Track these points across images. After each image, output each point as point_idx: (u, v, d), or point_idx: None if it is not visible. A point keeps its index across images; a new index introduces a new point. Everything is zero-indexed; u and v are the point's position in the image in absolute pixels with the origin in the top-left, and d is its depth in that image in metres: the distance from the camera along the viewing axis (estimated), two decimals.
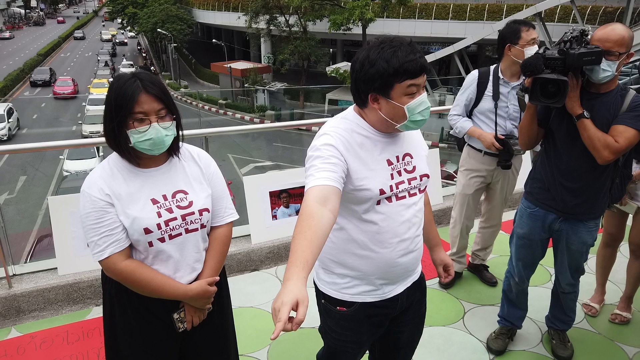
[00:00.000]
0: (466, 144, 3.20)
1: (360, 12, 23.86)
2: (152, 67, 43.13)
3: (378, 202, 1.60)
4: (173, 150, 1.71)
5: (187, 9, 41.86)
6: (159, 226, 1.63)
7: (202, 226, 1.73)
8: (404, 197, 1.64)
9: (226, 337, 1.94)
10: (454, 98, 3.58)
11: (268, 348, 2.80)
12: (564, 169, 2.31)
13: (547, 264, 3.26)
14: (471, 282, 3.49)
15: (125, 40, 60.67)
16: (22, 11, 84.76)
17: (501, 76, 2.98)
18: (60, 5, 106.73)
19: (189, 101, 31.23)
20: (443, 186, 4.64)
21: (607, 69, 2.09)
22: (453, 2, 28.67)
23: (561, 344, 2.73)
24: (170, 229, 1.65)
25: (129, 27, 46.05)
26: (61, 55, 51.47)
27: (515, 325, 2.79)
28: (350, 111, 1.67)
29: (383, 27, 26.66)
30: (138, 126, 1.56)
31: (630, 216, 2.96)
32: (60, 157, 16.60)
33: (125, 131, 1.57)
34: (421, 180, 1.69)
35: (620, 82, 2.27)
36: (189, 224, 1.69)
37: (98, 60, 44.14)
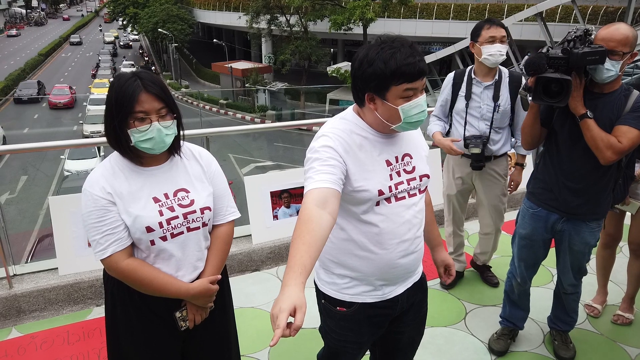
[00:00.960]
0: None
1: (361, 12, 23.84)
2: (152, 67, 43.12)
3: (377, 203, 1.59)
4: (174, 149, 1.70)
5: (188, 8, 41.85)
6: (160, 225, 1.62)
7: (204, 225, 1.73)
8: (404, 197, 1.64)
9: (228, 335, 1.94)
10: None
11: (269, 349, 2.79)
12: (566, 169, 2.30)
13: (548, 265, 3.26)
14: (473, 282, 3.48)
15: (130, 43, 58.60)
16: (23, 11, 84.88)
17: (474, 76, 2.97)
18: (61, 5, 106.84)
19: (189, 101, 31.23)
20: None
21: (610, 68, 2.08)
22: (454, 2, 28.65)
23: (563, 344, 2.72)
24: (172, 227, 1.65)
25: (130, 28, 46.04)
26: (62, 55, 51.50)
27: (517, 326, 2.78)
28: (350, 111, 1.67)
29: (384, 27, 26.62)
30: (139, 125, 1.56)
31: (628, 215, 2.95)
32: (61, 157, 16.61)
33: (126, 130, 1.57)
34: (421, 180, 1.68)
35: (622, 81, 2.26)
36: (190, 222, 1.68)
37: (99, 60, 44.11)
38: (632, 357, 2.74)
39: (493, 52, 2.81)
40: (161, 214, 1.63)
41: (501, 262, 3.64)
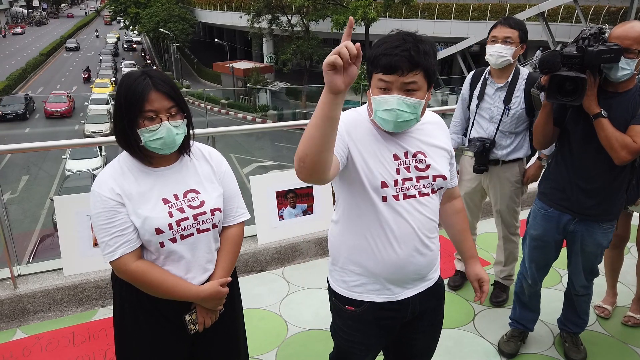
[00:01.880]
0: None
1: (362, 11, 23.85)
2: (154, 67, 43.12)
3: (384, 199, 1.57)
4: (184, 149, 1.68)
5: (189, 8, 41.87)
6: (170, 226, 1.60)
7: (214, 226, 1.70)
8: (414, 196, 1.60)
9: (237, 338, 1.91)
10: (456, 98, 3.54)
11: (276, 350, 2.76)
12: (579, 169, 2.27)
13: (557, 266, 3.22)
14: None
15: (134, 46, 55.06)
16: (25, 11, 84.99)
17: (488, 76, 2.92)
18: (62, 4, 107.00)
19: (190, 101, 31.21)
20: None
21: (626, 67, 2.05)
22: (456, 1, 28.61)
23: (574, 346, 2.69)
24: (181, 229, 1.62)
25: (131, 27, 46.02)
26: (64, 55, 51.52)
27: (527, 327, 2.75)
28: (365, 105, 1.67)
29: (385, 26, 26.57)
30: (148, 125, 1.53)
31: (636, 215, 2.92)
32: (63, 156, 16.62)
33: (135, 130, 1.54)
34: (434, 180, 1.64)
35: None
36: (200, 223, 1.66)
37: (100, 60, 44.05)
38: None
39: (492, 52, 2.76)
40: (171, 215, 1.61)
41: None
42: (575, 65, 2.03)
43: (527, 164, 3.06)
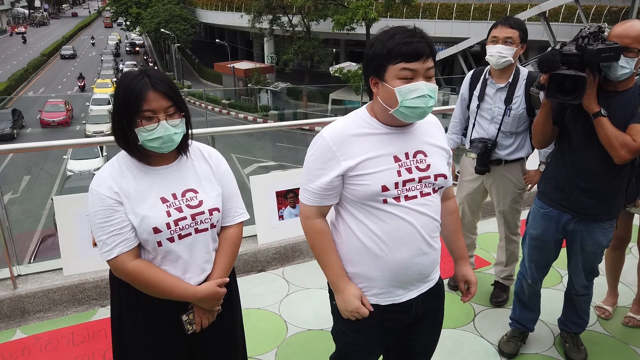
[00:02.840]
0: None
1: (363, 11, 23.80)
2: (155, 67, 42.99)
3: (385, 201, 1.56)
4: (182, 148, 1.67)
5: (190, 9, 41.88)
6: (168, 225, 1.59)
7: (212, 226, 1.70)
8: (415, 196, 1.59)
9: (236, 338, 1.90)
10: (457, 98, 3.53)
11: (276, 350, 2.76)
12: (579, 169, 2.27)
13: (557, 266, 3.21)
14: (481, 283, 3.42)
15: (137, 49, 52.58)
16: (26, 11, 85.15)
17: (488, 77, 2.90)
18: (64, 5, 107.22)
19: (192, 101, 31.23)
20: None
21: (625, 66, 2.04)
22: (457, 2, 28.58)
23: (574, 347, 2.68)
24: (179, 228, 1.61)
25: (132, 28, 46.02)
26: (59, 62, 51.50)
27: (527, 328, 2.75)
28: (362, 108, 1.66)
29: (386, 27, 26.55)
30: (146, 124, 1.53)
31: (636, 216, 2.91)
32: (64, 156, 16.63)
33: (133, 129, 1.54)
34: (436, 180, 1.63)
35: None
36: (198, 223, 1.65)
37: (102, 60, 44.06)
38: None
39: (492, 52, 2.74)
40: (169, 214, 1.60)
41: None
42: (575, 64, 2.02)
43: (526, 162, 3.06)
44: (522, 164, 2.98)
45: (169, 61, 42.92)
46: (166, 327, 1.70)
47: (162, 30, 36.18)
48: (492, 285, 3.31)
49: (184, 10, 39.01)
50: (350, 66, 25.56)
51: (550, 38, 22.64)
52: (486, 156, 2.91)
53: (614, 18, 24.15)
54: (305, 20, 28.60)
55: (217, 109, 29.49)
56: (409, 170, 1.58)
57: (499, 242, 3.22)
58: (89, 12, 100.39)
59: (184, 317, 1.69)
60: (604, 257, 2.90)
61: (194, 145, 1.75)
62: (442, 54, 25.80)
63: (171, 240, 1.61)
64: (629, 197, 2.46)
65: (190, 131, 1.67)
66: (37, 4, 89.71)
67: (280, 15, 30.04)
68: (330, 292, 1.76)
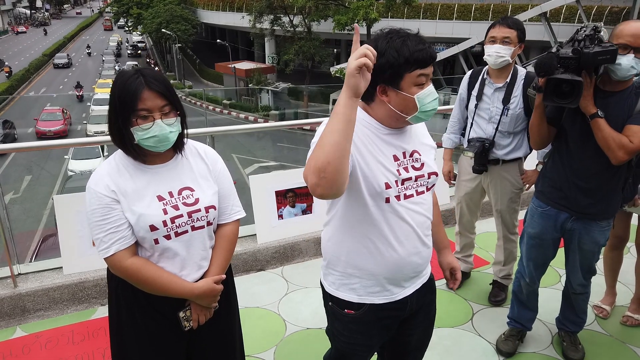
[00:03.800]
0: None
1: (364, 12, 23.80)
2: (156, 68, 43.10)
3: (387, 200, 1.57)
4: (178, 146, 1.68)
5: (191, 9, 41.93)
6: (164, 223, 1.60)
7: (209, 223, 1.71)
8: (412, 195, 1.61)
9: (233, 335, 1.92)
10: None
11: (274, 349, 2.77)
12: (577, 169, 2.27)
13: (556, 265, 3.22)
14: (479, 283, 3.44)
15: (139, 52, 50.11)
16: (28, 11, 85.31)
17: (486, 76, 2.91)
18: (65, 5, 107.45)
19: (193, 101, 31.27)
20: (449, 186, 4.61)
21: (635, 67, 2.04)
22: (458, 2, 28.58)
23: (572, 346, 2.69)
24: (176, 226, 1.63)
25: (133, 28, 46.04)
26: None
27: (525, 326, 2.75)
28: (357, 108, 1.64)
29: (387, 27, 26.53)
30: (142, 123, 1.54)
31: (635, 216, 2.92)
32: (65, 156, 16.63)
33: (129, 128, 1.55)
34: (429, 177, 1.66)
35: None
36: (195, 221, 1.66)
37: (103, 60, 44.11)
38: None
39: (490, 52, 2.75)
40: (165, 212, 1.61)
41: None
42: (572, 67, 2.03)
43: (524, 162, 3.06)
44: (520, 163, 2.99)
45: (170, 61, 42.97)
46: (164, 324, 1.71)
47: (163, 30, 36.20)
48: (490, 284, 3.32)
49: (185, 10, 39.04)
50: None
51: (551, 38, 22.63)
52: (484, 155, 2.92)
53: (615, 18, 24.13)
54: (306, 20, 28.61)
55: (218, 109, 29.52)
56: (407, 169, 1.60)
57: (497, 242, 3.23)
58: (92, 11, 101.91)
59: (181, 314, 1.70)
60: (602, 256, 2.92)
61: (190, 143, 1.76)
62: (443, 54, 25.80)
63: (168, 237, 1.63)
64: (625, 197, 2.47)
65: (185, 130, 1.68)
66: (39, 4, 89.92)
67: (281, 15, 30.05)
68: (326, 294, 1.77)
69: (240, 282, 3.38)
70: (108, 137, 1.66)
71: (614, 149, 2.09)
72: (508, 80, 2.83)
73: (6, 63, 38.83)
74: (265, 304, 3.19)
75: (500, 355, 2.72)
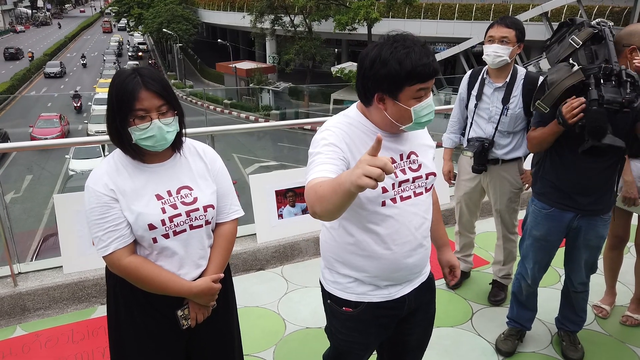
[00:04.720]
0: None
1: (365, 12, 23.79)
2: (156, 68, 43.03)
3: (383, 203, 1.57)
4: (176, 146, 1.68)
5: (192, 9, 41.95)
6: (163, 222, 1.61)
7: (207, 222, 1.72)
8: (409, 197, 1.61)
9: (231, 334, 1.92)
10: None
11: (274, 348, 2.77)
12: (577, 169, 2.27)
13: (556, 265, 3.21)
14: (479, 282, 3.44)
15: (141, 54, 48.29)
16: (29, 11, 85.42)
17: (486, 76, 2.91)
18: (66, 5, 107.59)
19: (194, 101, 31.28)
20: (449, 186, 4.61)
21: None
22: (459, 2, 28.56)
23: (571, 345, 2.69)
24: (174, 225, 1.63)
25: (134, 28, 46.00)
26: (67, 56, 51.70)
27: (524, 326, 2.75)
28: (353, 109, 1.64)
29: (388, 27, 26.10)
30: (139, 123, 1.54)
31: (635, 216, 2.92)
32: (66, 156, 16.65)
33: (127, 128, 1.55)
34: (427, 178, 1.66)
35: None
36: (193, 220, 1.67)
37: (104, 60, 44.10)
38: None
39: (489, 52, 2.76)
40: (164, 211, 1.62)
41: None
42: (620, 125, 2.03)
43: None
44: (520, 163, 2.99)
45: (171, 61, 42.96)
46: (162, 322, 1.71)
47: (164, 30, 36.20)
48: (490, 284, 3.32)
49: (186, 10, 39.07)
50: (351, 66, 25.54)
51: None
52: (483, 155, 2.92)
53: (616, 18, 24.09)
54: (307, 20, 28.61)
55: (218, 109, 29.53)
56: (403, 171, 1.61)
57: (496, 241, 3.23)
58: (94, 10, 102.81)
59: (179, 312, 1.71)
60: (602, 256, 2.92)
61: (188, 142, 1.76)
62: (444, 54, 25.79)
63: (166, 236, 1.63)
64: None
65: (184, 129, 1.68)
66: (40, 4, 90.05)
67: (282, 15, 30.05)
68: (324, 292, 1.77)
69: (240, 282, 3.40)
70: (107, 137, 1.66)
71: None
72: (507, 80, 2.83)
73: (29, 49, 41.17)
74: (265, 304, 3.19)
75: (499, 354, 2.72)
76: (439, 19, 28.33)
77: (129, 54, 48.82)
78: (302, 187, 3.70)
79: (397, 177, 1.58)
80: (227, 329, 1.89)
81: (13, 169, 17.23)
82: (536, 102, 2.18)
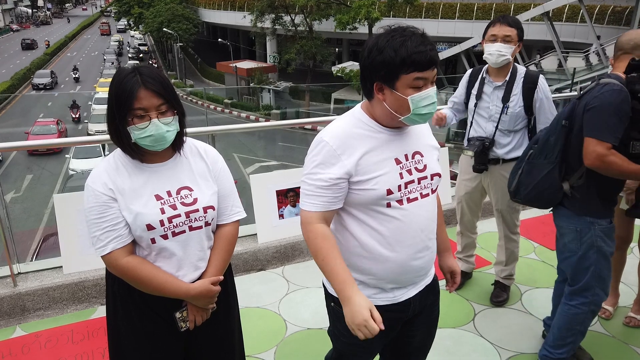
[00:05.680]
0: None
1: (366, 11, 23.75)
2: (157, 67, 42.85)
3: (389, 205, 1.55)
4: (177, 145, 1.67)
5: (193, 8, 41.90)
6: (161, 223, 1.59)
7: (207, 224, 1.69)
8: (416, 198, 1.59)
9: (232, 337, 1.90)
10: None
11: (275, 349, 2.76)
12: (617, 180, 2.28)
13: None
14: (481, 283, 3.43)
15: (142, 56, 47.49)
16: (29, 11, 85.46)
17: (486, 75, 2.90)
18: (67, 4, 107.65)
19: (194, 100, 31.27)
20: (451, 186, 4.59)
21: None
22: (460, 1, 28.55)
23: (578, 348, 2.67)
24: (173, 226, 1.61)
25: (134, 28, 45.94)
26: (68, 55, 51.69)
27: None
28: (357, 109, 1.64)
29: (387, 26, 26.49)
30: (138, 122, 1.53)
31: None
32: (66, 156, 16.65)
33: (126, 127, 1.54)
34: (432, 179, 1.64)
35: None
36: (192, 221, 1.65)
37: (104, 59, 44.07)
38: None
39: (492, 51, 2.75)
40: (163, 212, 1.60)
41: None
42: None
43: None
44: None
45: (171, 61, 42.92)
46: (161, 324, 1.70)
47: (164, 29, 36.18)
48: (492, 284, 3.30)
49: (187, 9, 39.03)
50: (352, 66, 25.53)
51: (554, 38, 22.59)
52: (484, 155, 2.91)
53: (617, 18, 24.06)
54: (307, 19, 28.59)
55: (219, 108, 29.52)
56: (409, 172, 1.59)
57: (498, 242, 3.21)
58: (95, 8, 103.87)
59: (177, 315, 1.69)
60: None
61: (190, 142, 1.74)
62: (445, 54, 25.79)
63: (165, 237, 1.61)
64: None
65: (184, 129, 1.66)
66: (40, 3, 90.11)
67: (283, 14, 30.02)
68: (328, 295, 1.75)
69: (241, 282, 3.37)
70: (107, 136, 1.65)
71: None
72: (507, 78, 2.83)
73: (46, 39, 42.85)
74: (266, 304, 3.18)
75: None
76: (440, 18, 28.32)
77: (129, 55, 47.88)
78: None
79: (403, 177, 1.56)
80: (228, 331, 1.87)
81: (13, 169, 17.23)
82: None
